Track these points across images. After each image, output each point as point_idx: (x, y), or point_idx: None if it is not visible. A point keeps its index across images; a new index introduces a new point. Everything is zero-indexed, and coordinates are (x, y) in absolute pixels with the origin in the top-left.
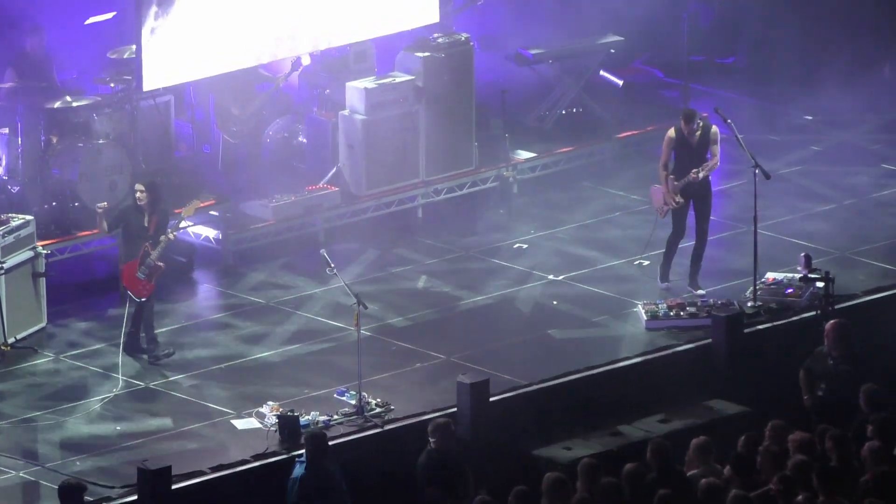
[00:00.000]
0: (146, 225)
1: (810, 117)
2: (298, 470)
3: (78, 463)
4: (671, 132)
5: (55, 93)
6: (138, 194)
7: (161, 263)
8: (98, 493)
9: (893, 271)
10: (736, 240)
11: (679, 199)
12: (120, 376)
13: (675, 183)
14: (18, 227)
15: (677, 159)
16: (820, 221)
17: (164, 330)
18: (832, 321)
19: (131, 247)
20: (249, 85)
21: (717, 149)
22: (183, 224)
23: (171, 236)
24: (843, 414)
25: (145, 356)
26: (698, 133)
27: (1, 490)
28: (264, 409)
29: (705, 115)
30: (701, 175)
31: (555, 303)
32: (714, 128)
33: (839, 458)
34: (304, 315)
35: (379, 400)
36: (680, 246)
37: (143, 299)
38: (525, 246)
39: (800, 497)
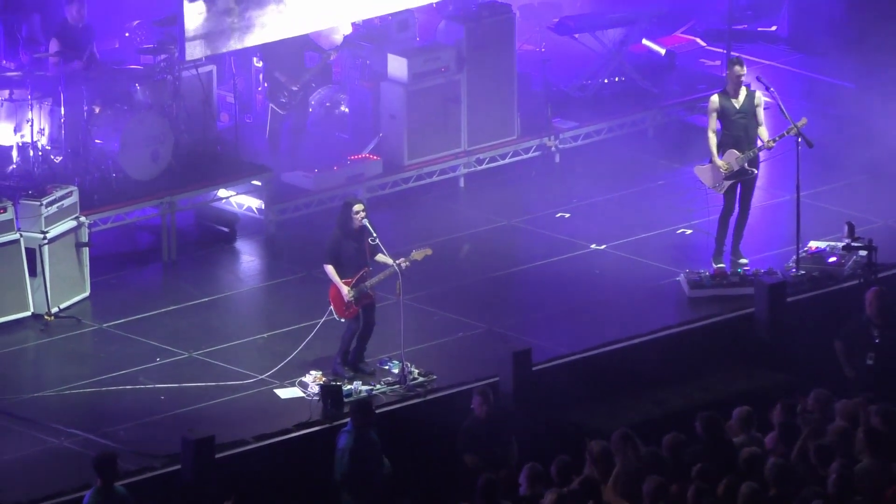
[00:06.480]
0: (362, 249)
1: (853, 85)
2: (346, 440)
3: (122, 432)
4: (714, 98)
5: (97, 63)
6: (360, 214)
7: (372, 293)
8: (141, 463)
9: None
10: (779, 208)
11: (754, 169)
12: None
13: (740, 154)
14: (62, 197)
15: (725, 128)
16: (863, 190)
17: (205, 300)
18: (872, 289)
19: (344, 269)
20: (300, 57)
21: (762, 113)
22: (405, 264)
23: (389, 271)
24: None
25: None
26: (743, 95)
27: (44, 458)
28: (307, 379)
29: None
30: (773, 144)
31: (597, 272)
32: (759, 92)
33: (888, 429)
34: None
35: (421, 370)
36: (718, 215)
37: (342, 319)
38: (567, 215)
39: (834, 464)
